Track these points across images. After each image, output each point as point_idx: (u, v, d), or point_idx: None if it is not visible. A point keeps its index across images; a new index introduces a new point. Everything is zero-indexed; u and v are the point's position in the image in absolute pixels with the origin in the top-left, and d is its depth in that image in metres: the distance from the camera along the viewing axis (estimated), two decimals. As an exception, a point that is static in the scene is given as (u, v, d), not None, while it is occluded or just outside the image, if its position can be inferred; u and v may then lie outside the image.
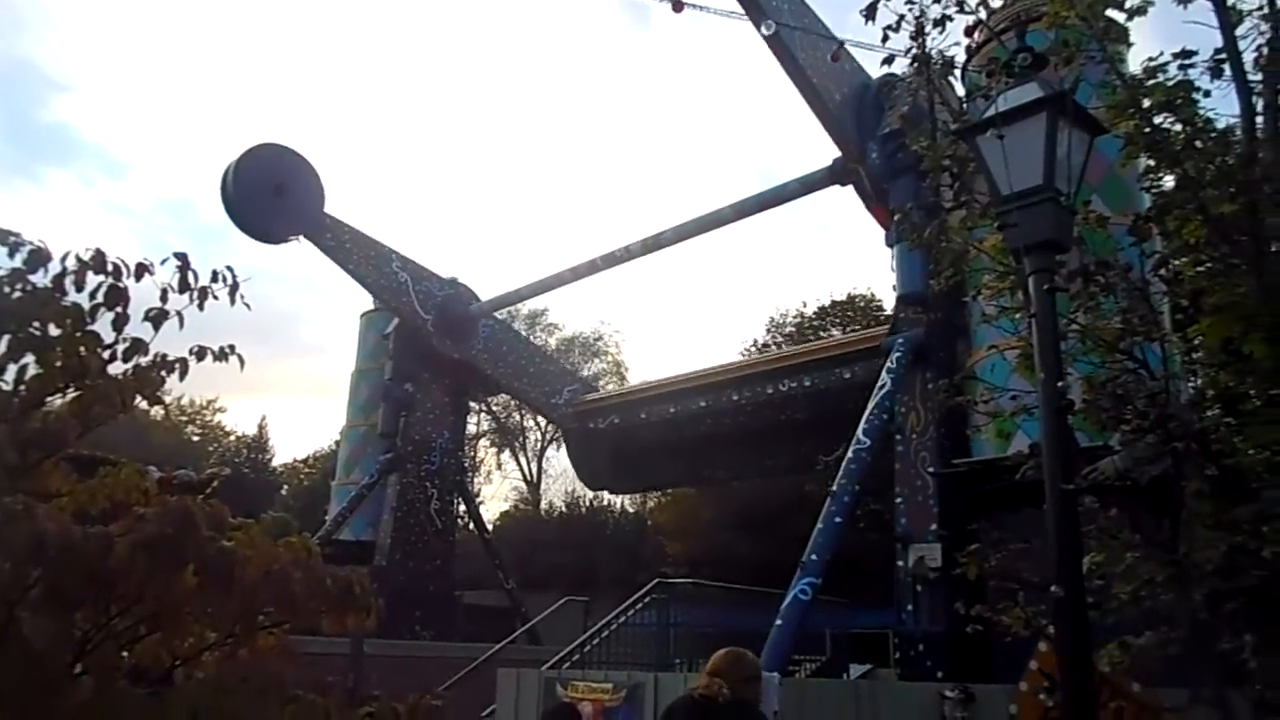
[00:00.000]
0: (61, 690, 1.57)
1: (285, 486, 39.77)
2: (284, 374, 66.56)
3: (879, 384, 11.97)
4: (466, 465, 21.77)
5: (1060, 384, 3.71)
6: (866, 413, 11.63)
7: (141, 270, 2.00)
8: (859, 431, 11.43)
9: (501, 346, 22.24)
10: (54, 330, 1.89)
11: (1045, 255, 3.85)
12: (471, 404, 25.99)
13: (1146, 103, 5.07)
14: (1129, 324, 5.16)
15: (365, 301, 25.87)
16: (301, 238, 19.23)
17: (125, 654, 1.75)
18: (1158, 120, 5.08)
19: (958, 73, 6.66)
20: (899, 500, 11.76)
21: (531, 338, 39.14)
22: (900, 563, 11.33)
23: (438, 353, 20.81)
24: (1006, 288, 5.79)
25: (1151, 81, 5.10)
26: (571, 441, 23.34)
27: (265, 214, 18.61)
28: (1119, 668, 4.97)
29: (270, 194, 18.50)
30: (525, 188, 69.55)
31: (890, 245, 13.29)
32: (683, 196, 69.35)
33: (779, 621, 9.23)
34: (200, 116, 70.15)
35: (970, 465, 11.12)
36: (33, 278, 1.88)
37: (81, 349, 1.91)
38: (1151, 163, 5.31)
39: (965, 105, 9.13)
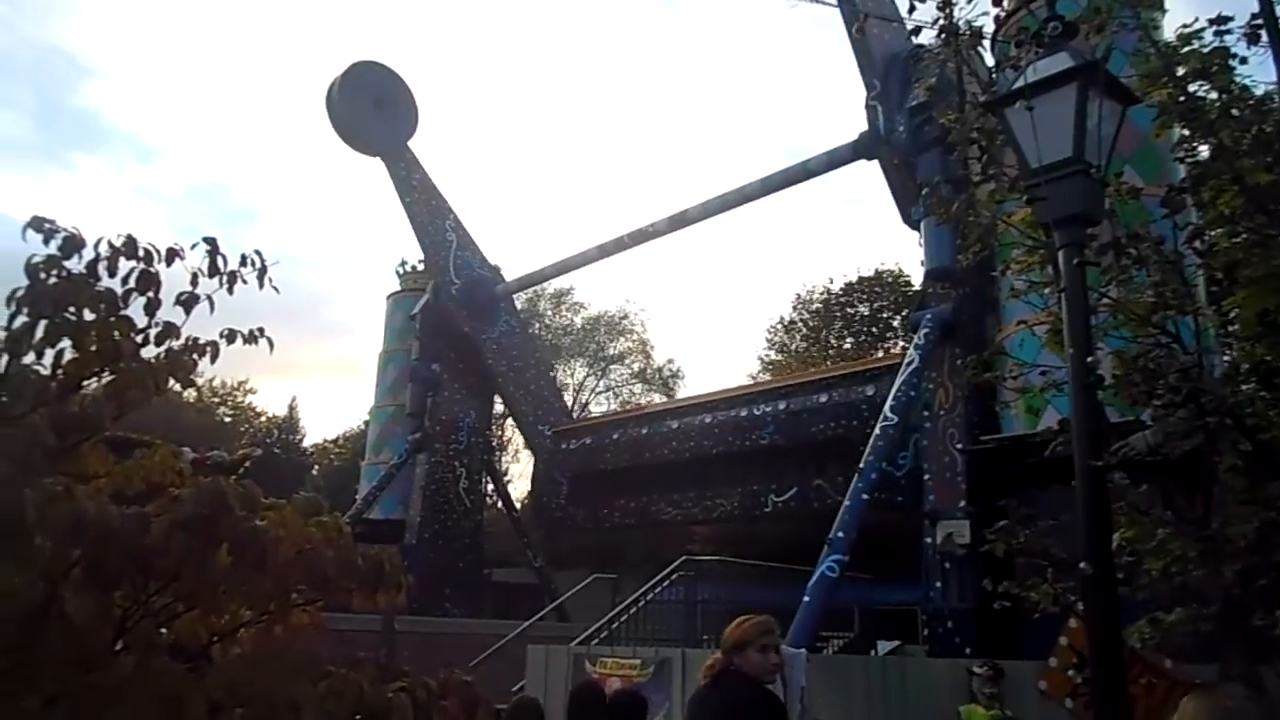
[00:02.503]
0: (104, 665, 1.62)
1: (316, 466, 40.28)
2: (313, 355, 67.36)
3: (906, 360, 11.88)
4: (494, 444, 21.84)
5: (1090, 359, 3.66)
6: (894, 389, 11.56)
7: (172, 255, 2.03)
8: (885, 409, 11.38)
9: (513, 350, 21.85)
10: (88, 315, 1.92)
11: (1075, 229, 3.78)
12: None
13: (1181, 70, 4.95)
14: (1161, 298, 5.07)
15: (391, 282, 26.10)
16: (380, 159, 20.49)
17: (164, 631, 1.79)
18: (1193, 88, 4.96)
19: (986, 43, 6.52)
20: (927, 477, 11.70)
21: (557, 317, 39.22)
22: (928, 539, 11.29)
23: (463, 333, 20.90)
24: (1036, 262, 5.71)
25: (1186, 49, 4.97)
26: (539, 467, 22.21)
27: (363, 123, 20.28)
28: (1149, 644, 4.94)
29: (370, 106, 20.31)
30: (549, 167, 69.39)
31: (906, 221, 13.17)
32: (709, 174, 68.91)
33: (806, 598, 9.25)
34: (229, 102, 70.59)
35: (999, 442, 11.03)
36: (67, 264, 1.91)
37: (115, 333, 1.94)
38: (1186, 132, 5.19)
39: (994, 76, 8.96)
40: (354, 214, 74.83)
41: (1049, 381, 5.77)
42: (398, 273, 25.76)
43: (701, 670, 3.62)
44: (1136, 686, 5.13)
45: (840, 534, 9.87)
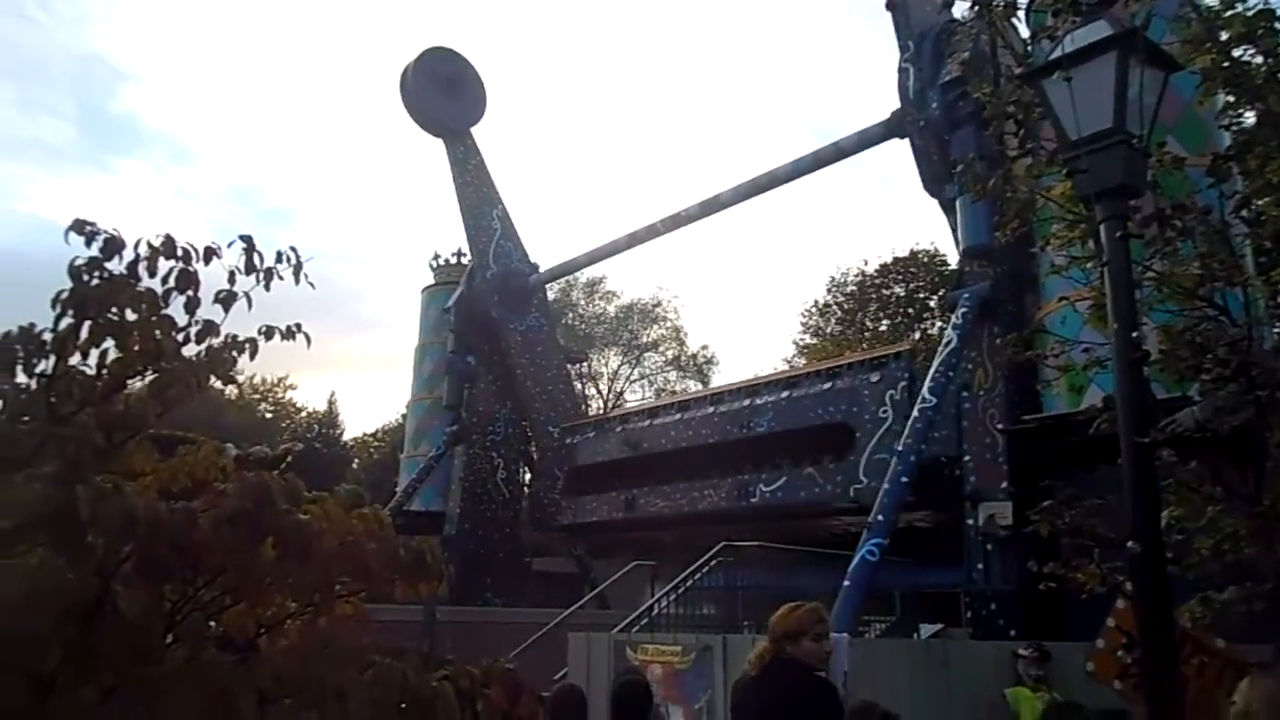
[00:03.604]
0: (157, 658, 1.65)
1: (356, 460, 40.87)
2: (350, 350, 68.31)
3: (945, 340, 11.72)
4: (530, 435, 21.92)
5: (1135, 334, 3.58)
6: (932, 370, 11.42)
7: (210, 254, 2.05)
8: (924, 390, 11.24)
9: (537, 345, 21.64)
10: (130, 315, 1.95)
11: (1117, 201, 3.69)
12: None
13: (1225, 35, 4.81)
14: (1208, 269, 4.95)
15: (425, 276, 26.33)
16: (443, 139, 21.53)
17: (212, 623, 1.82)
18: (1237, 53, 4.83)
19: (1021, 14, 6.38)
20: (967, 458, 11.56)
21: (590, 306, 39.29)
22: (970, 521, 11.16)
23: (491, 319, 20.98)
24: (1077, 236, 5.60)
25: (1230, 12, 4.83)
26: (541, 463, 21.84)
27: (433, 103, 21.48)
28: (1201, 624, 4.85)
29: (442, 88, 21.60)
30: (578, 155, 69.41)
31: (929, 190, 12.98)
32: (742, 158, 68.48)
33: (847, 582, 9.20)
34: (263, 103, 71.48)
35: (1041, 421, 10.85)
36: (109, 265, 1.94)
37: (157, 333, 1.97)
38: (1231, 99, 5.05)
39: (1029, 48, 8.77)
40: (387, 210, 75.59)
41: (1092, 359, 5.66)
42: (431, 266, 25.99)
43: (749, 659, 3.56)
44: (1188, 667, 5.02)
45: (880, 517, 9.80)
